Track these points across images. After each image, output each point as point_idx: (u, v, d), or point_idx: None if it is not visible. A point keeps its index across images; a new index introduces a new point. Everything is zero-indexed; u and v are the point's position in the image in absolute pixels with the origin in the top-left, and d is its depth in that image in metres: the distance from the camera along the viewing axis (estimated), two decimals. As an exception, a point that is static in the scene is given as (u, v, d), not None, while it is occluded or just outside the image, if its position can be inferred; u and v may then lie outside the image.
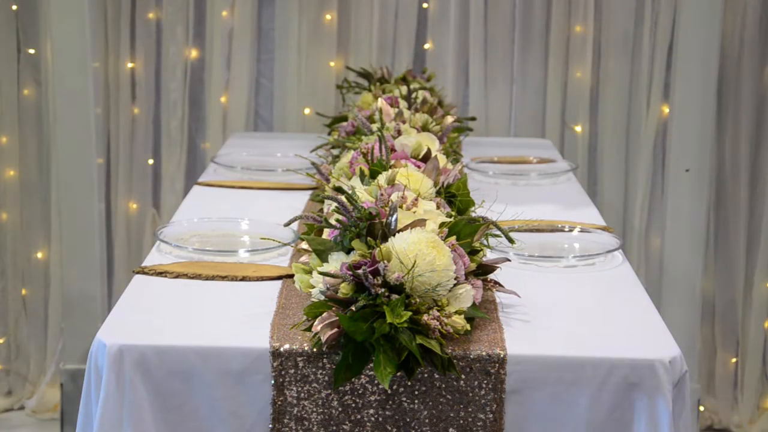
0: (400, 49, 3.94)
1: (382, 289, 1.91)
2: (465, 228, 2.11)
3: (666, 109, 3.89)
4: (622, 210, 3.99)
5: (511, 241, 2.21)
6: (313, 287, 2.06)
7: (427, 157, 2.47)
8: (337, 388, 1.94)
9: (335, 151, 2.94)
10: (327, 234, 2.15)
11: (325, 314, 1.93)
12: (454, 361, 1.94)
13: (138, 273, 2.31)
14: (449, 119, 3.11)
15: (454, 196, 2.36)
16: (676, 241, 3.84)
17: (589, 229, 2.59)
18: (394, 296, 1.90)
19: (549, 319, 2.10)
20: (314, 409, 1.96)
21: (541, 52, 3.93)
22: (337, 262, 2.03)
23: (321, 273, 1.99)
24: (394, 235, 1.99)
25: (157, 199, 4.03)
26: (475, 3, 3.89)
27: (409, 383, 1.95)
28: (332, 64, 3.94)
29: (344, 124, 3.07)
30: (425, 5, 3.94)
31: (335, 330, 1.92)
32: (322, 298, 1.99)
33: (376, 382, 1.95)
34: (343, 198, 2.08)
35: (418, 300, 1.92)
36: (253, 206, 2.86)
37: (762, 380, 4.04)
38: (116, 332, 2.01)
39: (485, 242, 2.19)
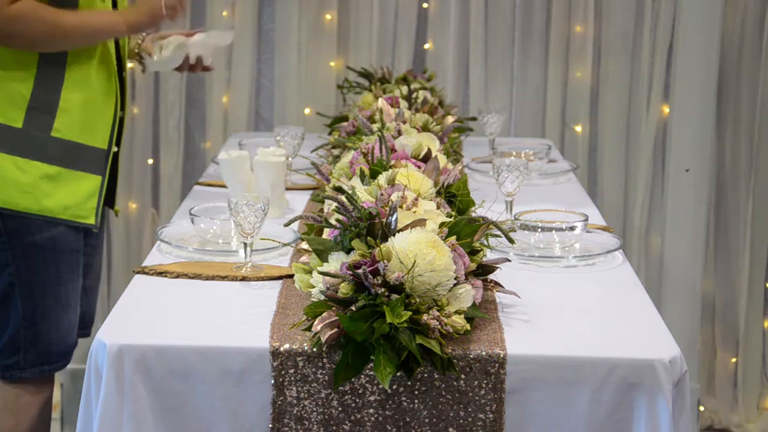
0: (400, 49, 3.94)
1: (382, 289, 1.90)
2: (465, 228, 2.11)
3: (666, 109, 3.89)
4: (622, 210, 3.99)
5: (511, 241, 2.21)
6: (313, 287, 2.06)
7: (427, 157, 2.47)
8: (337, 388, 1.94)
9: (335, 151, 2.94)
10: (327, 234, 2.15)
11: (325, 314, 1.93)
12: (454, 360, 1.94)
13: (138, 273, 2.31)
14: (450, 119, 3.11)
15: (454, 196, 2.35)
16: (676, 241, 3.85)
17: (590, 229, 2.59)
18: (394, 296, 1.90)
19: (549, 319, 2.10)
20: (314, 409, 1.96)
21: (541, 52, 3.93)
22: (337, 262, 2.03)
23: (321, 273, 1.99)
24: (394, 235, 1.99)
25: (157, 199, 4.02)
26: (476, 3, 3.89)
27: (409, 383, 1.95)
28: (332, 64, 3.94)
29: (345, 124, 3.07)
30: (425, 5, 3.93)
31: (335, 330, 1.91)
32: (322, 298, 1.99)
33: (376, 382, 1.95)
34: (343, 198, 2.08)
35: (417, 300, 1.92)
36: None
37: (762, 380, 4.04)
38: (116, 332, 2.01)
39: (485, 242, 2.19)
